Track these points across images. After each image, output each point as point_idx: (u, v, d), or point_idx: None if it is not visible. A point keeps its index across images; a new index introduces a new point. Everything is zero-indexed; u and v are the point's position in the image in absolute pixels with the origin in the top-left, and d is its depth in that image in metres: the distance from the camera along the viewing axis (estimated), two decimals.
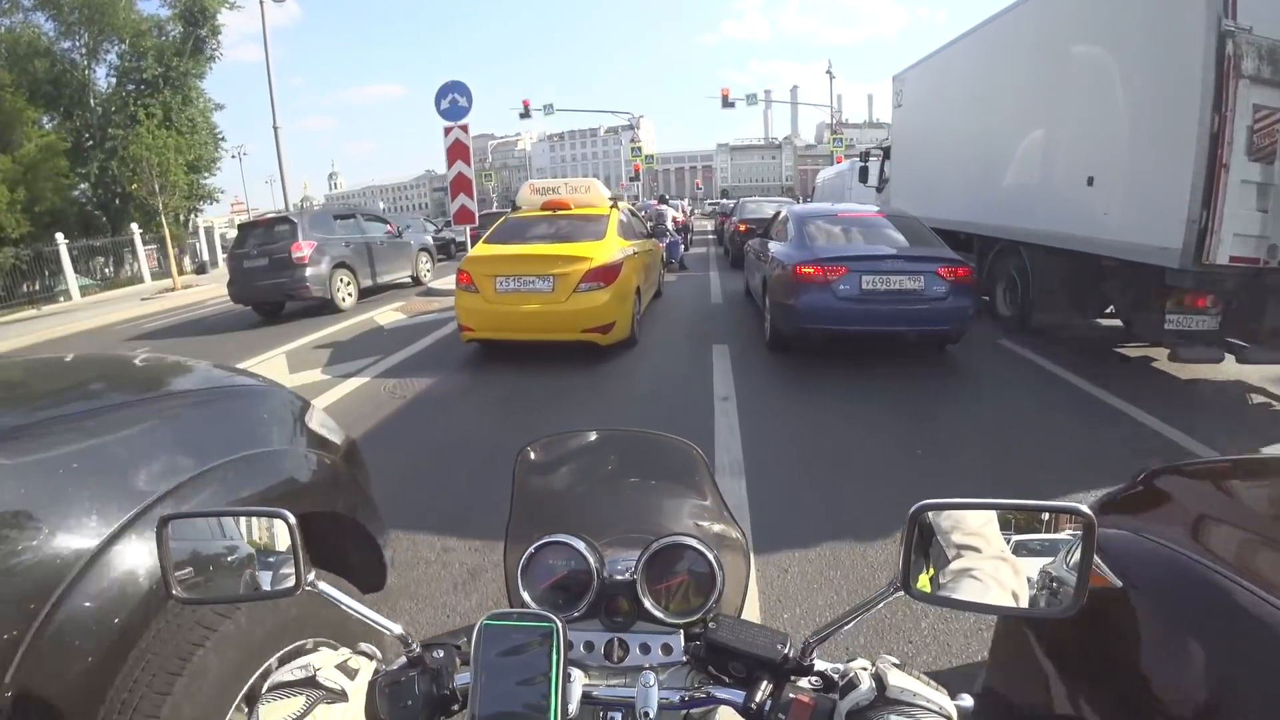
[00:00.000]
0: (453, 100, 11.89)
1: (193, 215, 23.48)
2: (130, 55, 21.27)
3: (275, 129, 18.02)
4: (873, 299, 5.68)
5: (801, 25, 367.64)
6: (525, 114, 30.86)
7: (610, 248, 6.70)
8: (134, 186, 17.79)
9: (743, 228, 12.60)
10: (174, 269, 17.04)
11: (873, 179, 11.83)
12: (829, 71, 31.06)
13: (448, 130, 11.92)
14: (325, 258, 10.84)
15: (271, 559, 0.79)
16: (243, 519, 0.84)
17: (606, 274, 6.31)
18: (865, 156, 12.59)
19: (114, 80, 21.64)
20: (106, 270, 20.15)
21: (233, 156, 55.26)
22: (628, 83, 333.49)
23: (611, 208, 7.61)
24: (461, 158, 11.96)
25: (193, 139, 22.08)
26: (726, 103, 28.33)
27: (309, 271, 10.43)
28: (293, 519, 0.75)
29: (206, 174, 23.44)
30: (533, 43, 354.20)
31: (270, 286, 10.50)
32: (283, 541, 0.78)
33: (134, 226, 18.62)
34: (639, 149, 36.02)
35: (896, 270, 5.70)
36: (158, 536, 0.76)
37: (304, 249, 10.44)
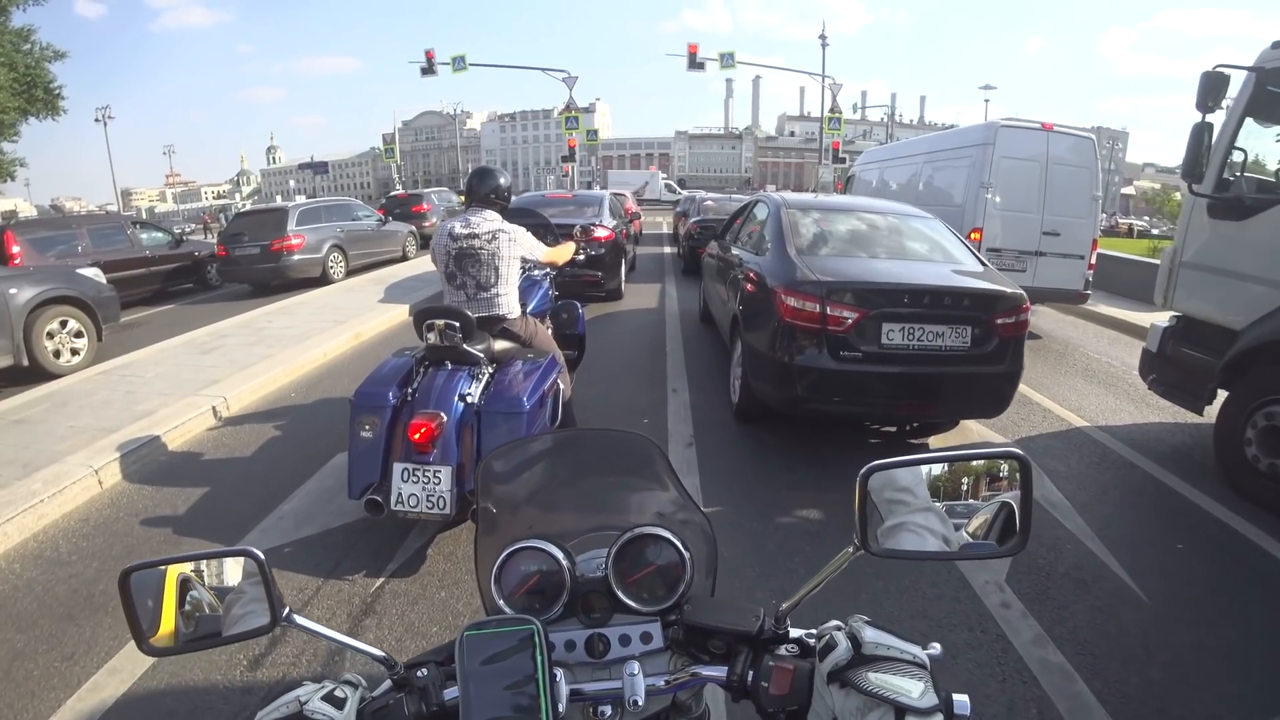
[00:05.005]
0: None
1: None
2: None
3: None
4: None
5: (763, 20, 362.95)
6: (429, 68, 23.94)
7: None
8: None
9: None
10: None
11: (1212, 176, 4.14)
12: (822, 36, 25.09)
13: None
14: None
15: (243, 598, 0.78)
16: (207, 560, 0.81)
17: None
18: (1213, 88, 3.94)
19: None
20: None
21: (96, 120, 47.66)
22: (586, 66, 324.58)
23: None
24: None
25: None
26: (694, 62, 23.16)
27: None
28: (260, 555, 0.76)
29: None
30: (490, 21, 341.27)
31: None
32: (252, 579, 0.77)
33: None
34: (575, 119, 24.48)
35: None
36: (120, 590, 0.76)
37: None
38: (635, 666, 0.75)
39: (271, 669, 2.46)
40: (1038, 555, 3.18)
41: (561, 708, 0.69)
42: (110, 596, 2.94)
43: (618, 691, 0.74)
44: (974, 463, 0.79)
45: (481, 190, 3.52)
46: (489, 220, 3.48)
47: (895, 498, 0.76)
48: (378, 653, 0.77)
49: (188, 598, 0.78)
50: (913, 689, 0.64)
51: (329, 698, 0.71)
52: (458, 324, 3.10)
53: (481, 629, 0.69)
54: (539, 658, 0.67)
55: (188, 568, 0.80)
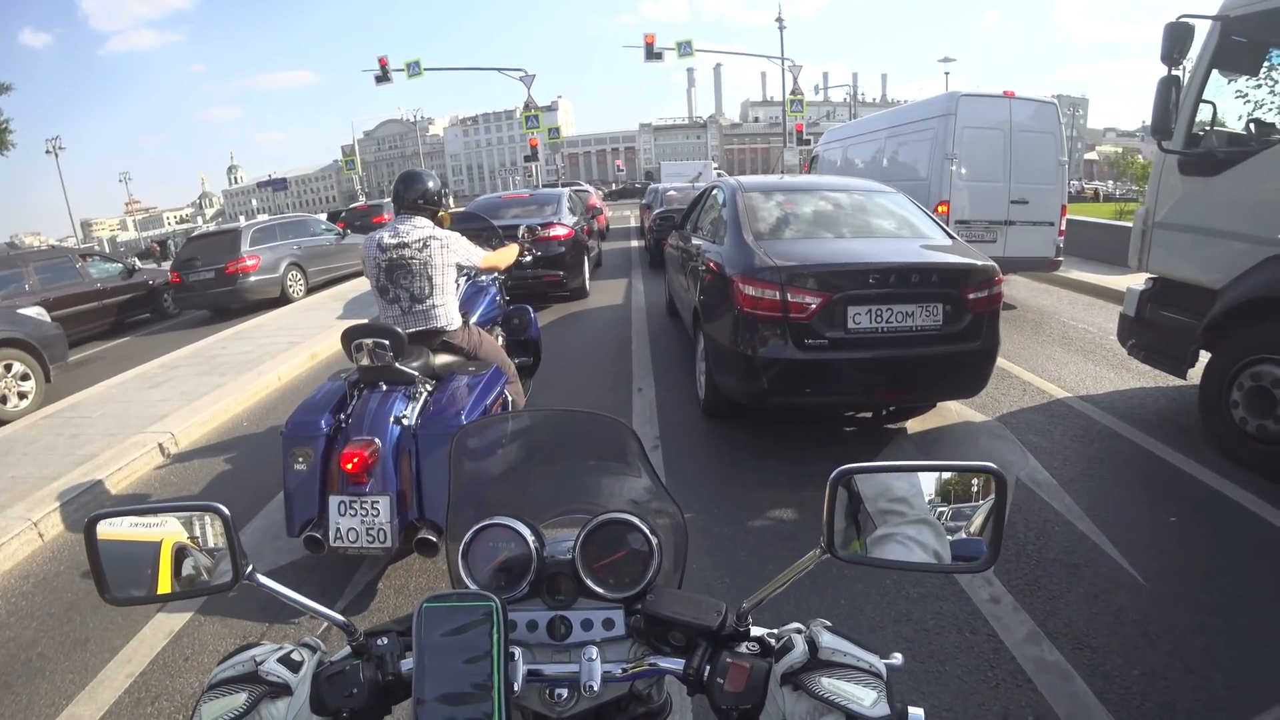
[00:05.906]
0: None
1: None
2: None
3: None
4: None
5: (721, 6, 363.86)
6: (383, 76, 23.42)
7: None
8: None
9: None
10: None
11: (1181, 131, 4.00)
12: (779, 19, 25.22)
13: None
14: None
15: (207, 553, 0.79)
16: (174, 514, 0.81)
17: None
18: (1178, 39, 3.80)
19: None
20: None
21: (48, 152, 46.40)
22: (547, 65, 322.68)
23: None
24: None
25: None
26: (651, 53, 22.89)
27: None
28: (226, 511, 0.76)
29: None
30: (447, 24, 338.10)
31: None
32: (217, 535, 0.78)
33: None
34: (535, 118, 23.95)
35: None
36: (86, 537, 0.76)
37: None
38: (594, 652, 0.74)
39: None
40: (1026, 541, 3.02)
41: (517, 686, 0.69)
42: (49, 660, 2.74)
43: (575, 675, 0.73)
44: (947, 474, 0.75)
45: (409, 196, 3.27)
46: (419, 228, 3.22)
47: (890, 508, 0.74)
48: (338, 618, 0.77)
49: (153, 548, 0.78)
50: (865, 697, 0.62)
51: (285, 660, 0.70)
52: (387, 341, 2.85)
53: (441, 601, 0.67)
54: (496, 635, 0.65)
55: (183, 535, 0.79)
